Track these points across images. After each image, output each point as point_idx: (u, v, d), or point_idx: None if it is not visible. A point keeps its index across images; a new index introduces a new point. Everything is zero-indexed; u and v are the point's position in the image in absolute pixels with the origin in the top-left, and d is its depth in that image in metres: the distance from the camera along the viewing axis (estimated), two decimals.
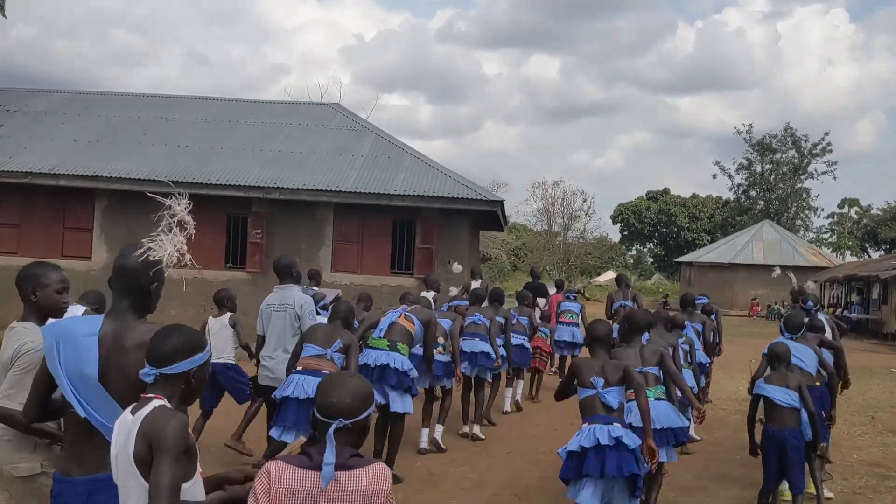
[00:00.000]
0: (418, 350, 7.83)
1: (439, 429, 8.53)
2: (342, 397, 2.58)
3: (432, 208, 15.54)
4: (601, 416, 4.95)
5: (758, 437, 6.39)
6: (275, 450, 6.54)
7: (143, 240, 3.19)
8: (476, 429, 9.21)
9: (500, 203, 15.51)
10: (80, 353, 3.01)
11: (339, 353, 6.32)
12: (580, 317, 12.49)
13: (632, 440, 4.84)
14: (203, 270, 15.70)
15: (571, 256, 60.46)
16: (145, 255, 3.12)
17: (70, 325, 3.15)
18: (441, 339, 8.20)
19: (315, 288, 9.91)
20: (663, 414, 5.68)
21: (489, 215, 16.99)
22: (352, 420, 2.56)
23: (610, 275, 69.32)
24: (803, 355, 6.91)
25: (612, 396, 4.98)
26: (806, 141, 60.84)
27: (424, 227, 15.72)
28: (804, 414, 6.11)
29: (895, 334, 28.71)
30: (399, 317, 7.48)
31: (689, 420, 6.20)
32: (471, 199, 15.22)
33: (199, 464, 2.69)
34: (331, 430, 2.52)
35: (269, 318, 6.95)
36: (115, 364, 3.03)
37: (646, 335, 6.30)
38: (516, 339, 10.13)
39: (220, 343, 7.71)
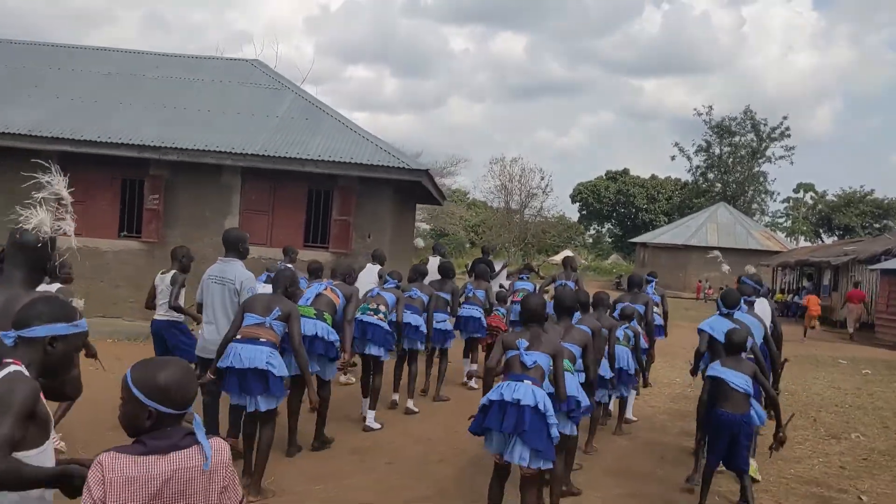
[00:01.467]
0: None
1: (370, 413, 8.49)
2: (190, 389, 2.55)
3: (350, 176, 13.95)
4: (516, 374, 5.03)
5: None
6: (234, 421, 6.90)
7: (20, 210, 3.30)
8: (409, 402, 9.30)
9: (425, 173, 13.90)
10: None
11: (278, 322, 6.27)
12: None
13: (533, 399, 4.86)
14: (94, 239, 14.07)
15: (528, 234, 59.27)
16: (43, 233, 3.29)
17: None
18: (382, 308, 8.39)
19: (290, 266, 9.78)
20: (569, 386, 5.59)
21: (418, 187, 15.44)
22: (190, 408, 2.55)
23: (568, 253, 68.24)
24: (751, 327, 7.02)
25: (531, 357, 5.03)
26: (765, 125, 60.04)
27: (342, 196, 14.14)
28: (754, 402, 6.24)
29: (844, 322, 27.71)
30: (325, 289, 7.58)
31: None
32: (392, 168, 13.62)
33: (52, 438, 2.72)
34: (199, 419, 2.57)
35: (208, 289, 6.82)
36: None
37: (577, 315, 6.54)
38: (473, 311, 10.43)
39: (166, 300, 7.66)
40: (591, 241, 78.60)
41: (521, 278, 12.87)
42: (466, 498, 6.57)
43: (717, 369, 6.28)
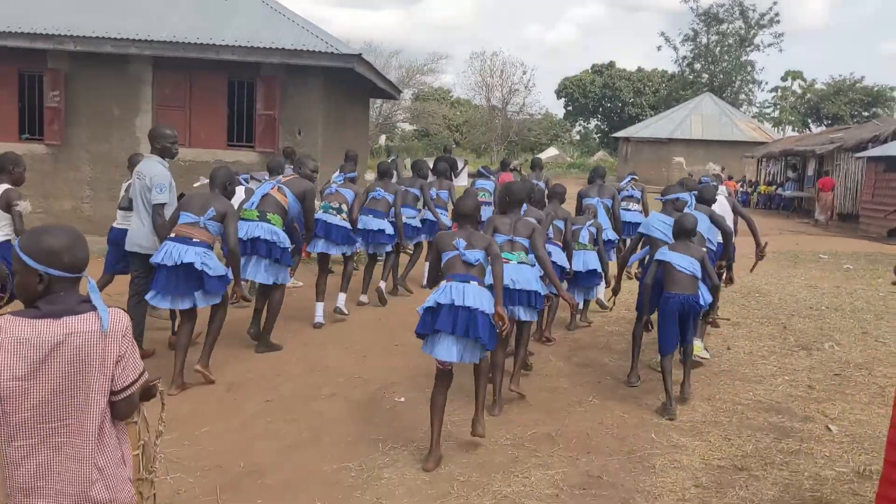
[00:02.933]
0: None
1: (341, 297, 8.48)
2: (84, 250, 2.53)
3: (273, 65, 12.23)
4: (459, 273, 4.95)
5: None
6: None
7: None
8: (363, 297, 9.22)
9: (356, 58, 12.13)
10: None
11: (213, 222, 6.13)
12: (493, 196, 11.29)
13: (483, 302, 4.82)
14: None
15: (511, 132, 57.35)
16: None
17: None
18: (344, 206, 8.14)
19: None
20: (524, 277, 5.77)
21: (366, 80, 13.71)
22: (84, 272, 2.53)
23: (552, 152, 66.53)
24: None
25: (472, 255, 4.97)
26: (753, 11, 57.22)
27: (266, 88, 12.44)
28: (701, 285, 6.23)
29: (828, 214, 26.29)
30: (272, 189, 7.24)
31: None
32: (319, 53, 11.89)
33: None
34: (92, 282, 2.57)
35: (134, 184, 6.76)
36: None
37: (524, 207, 6.40)
38: (438, 213, 9.93)
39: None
40: (577, 137, 76.42)
41: (482, 174, 12.28)
42: (340, 443, 5.47)
43: (664, 254, 6.24)
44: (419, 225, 9.78)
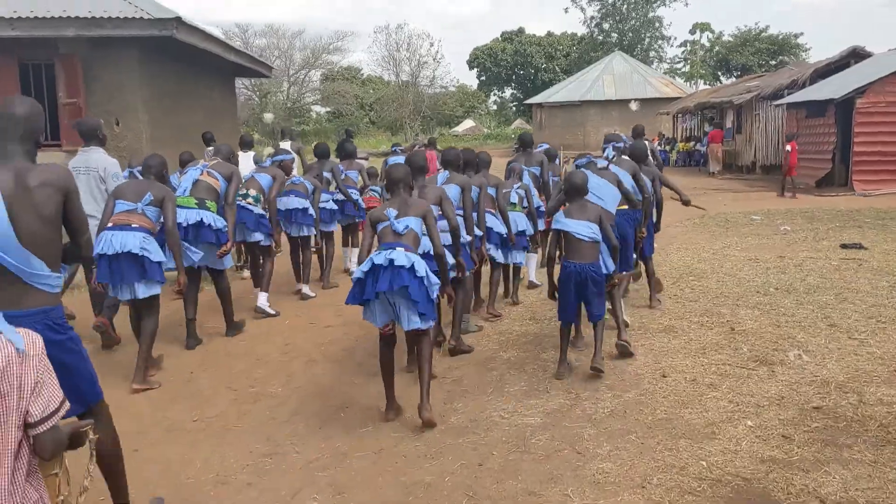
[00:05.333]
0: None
1: (262, 296, 7.98)
2: None
3: (72, 40, 9.43)
4: (388, 242, 4.82)
5: None
6: (109, 305, 6.51)
7: None
8: (305, 288, 8.77)
9: (174, 22, 9.39)
10: None
11: (151, 207, 5.86)
12: None
13: (407, 260, 4.66)
14: None
15: (423, 107, 54.90)
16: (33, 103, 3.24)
17: None
18: (253, 192, 7.77)
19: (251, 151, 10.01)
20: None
21: (194, 51, 10.96)
22: None
23: (469, 124, 64.26)
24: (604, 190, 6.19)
25: (402, 224, 4.86)
26: None
27: (67, 70, 9.64)
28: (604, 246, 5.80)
29: (751, 166, 24.53)
30: (201, 174, 6.94)
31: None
32: (126, 20, 9.14)
33: None
34: None
35: (79, 180, 5.74)
36: (23, 205, 3.07)
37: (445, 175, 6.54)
38: (349, 193, 9.38)
39: None
40: (494, 108, 74.26)
41: (395, 151, 12.24)
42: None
43: (560, 221, 5.83)
44: (335, 208, 9.33)
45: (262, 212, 7.78)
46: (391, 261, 4.63)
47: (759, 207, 15.68)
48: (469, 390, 5.58)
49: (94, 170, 6.60)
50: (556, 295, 5.83)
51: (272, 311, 7.89)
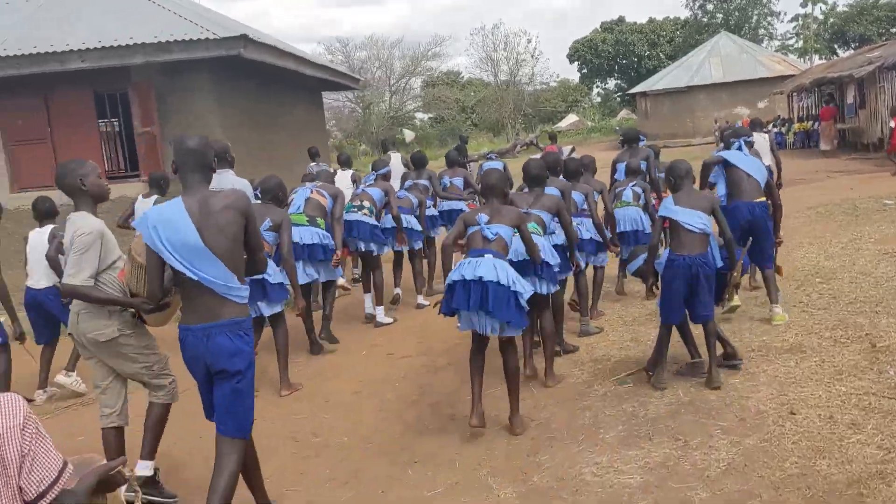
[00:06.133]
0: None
1: (379, 310, 8.05)
2: None
3: (141, 67, 9.14)
4: (476, 248, 4.73)
5: None
6: None
7: None
8: (420, 298, 8.73)
9: (243, 40, 8.96)
10: (178, 228, 3.39)
11: (269, 232, 5.96)
12: None
13: (500, 275, 4.53)
14: None
15: (524, 105, 53.89)
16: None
17: (159, 210, 3.52)
18: (367, 203, 7.88)
19: (323, 164, 10.50)
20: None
21: (273, 70, 10.56)
22: None
23: (572, 118, 62.73)
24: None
25: (492, 230, 4.73)
26: None
27: (141, 98, 9.37)
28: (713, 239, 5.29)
29: (878, 143, 22.42)
30: (312, 192, 7.16)
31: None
32: (193, 42, 8.76)
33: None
34: None
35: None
36: (211, 227, 3.42)
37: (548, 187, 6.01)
38: (454, 203, 9.51)
39: (40, 264, 6.31)
40: (598, 100, 72.33)
41: (490, 158, 12.04)
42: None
43: (668, 209, 5.30)
44: (435, 213, 9.42)
45: (376, 223, 7.88)
46: (480, 276, 4.52)
47: (892, 190, 14.05)
48: (557, 437, 4.76)
49: (222, 189, 6.40)
50: (657, 292, 5.46)
51: (388, 321, 8.03)
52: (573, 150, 18.80)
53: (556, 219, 5.68)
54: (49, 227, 6.33)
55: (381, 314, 8.01)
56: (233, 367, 3.48)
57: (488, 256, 4.63)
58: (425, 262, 9.32)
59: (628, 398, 5.24)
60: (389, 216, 8.12)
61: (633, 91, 44.83)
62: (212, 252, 3.42)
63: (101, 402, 4.18)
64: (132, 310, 4.05)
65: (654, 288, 5.56)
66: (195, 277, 3.42)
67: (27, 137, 9.55)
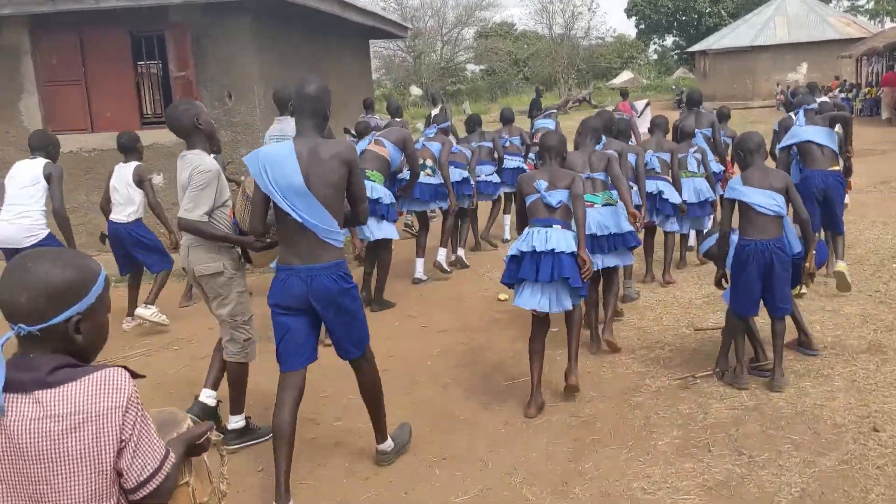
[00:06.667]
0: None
1: (442, 252, 7.98)
2: (15, 293, 1.65)
3: (180, 7, 8.66)
4: (542, 218, 4.51)
5: None
6: None
7: None
8: (461, 252, 8.53)
9: None
10: (286, 170, 3.48)
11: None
12: None
13: (570, 244, 4.38)
14: None
15: (578, 60, 52.43)
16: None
17: (271, 150, 3.60)
18: (429, 162, 7.51)
19: (375, 117, 10.03)
20: (610, 220, 5.28)
21: (316, 15, 9.98)
22: (37, 326, 1.66)
23: (627, 75, 60.93)
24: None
25: (554, 197, 4.49)
26: None
27: (177, 42, 8.88)
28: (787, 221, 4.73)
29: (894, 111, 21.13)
30: (369, 143, 6.87)
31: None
32: None
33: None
34: (3, 340, 1.66)
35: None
36: (316, 173, 3.50)
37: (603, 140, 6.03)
38: (512, 161, 9.23)
39: (121, 197, 6.55)
40: (654, 57, 70.14)
41: (544, 116, 11.48)
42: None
43: (737, 189, 4.74)
44: (497, 179, 9.04)
45: (438, 181, 7.56)
46: (552, 248, 4.34)
47: None
48: (603, 440, 4.23)
49: (290, 138, 6.08)
50: (726, 281, 4.92)
51: (447, 269, 7.92)
52: (647, 104, 18.01)
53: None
54: (133, 164, 6.52)
55: (441, 255, 7.93)
56: (341, 305, 3.60)
57: (556, 227, 4.44)
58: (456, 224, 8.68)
59: (685, 397, 4.69)
60: (456, 170, 7.93)
61: (691, 49, 43.17)
62: (315, 197, 3.49)
63: (223, 334, 4.32)
64: (238, 249, 4.23)
65: (723, 280, 4.96)
66: (298, 219, 3.49)
67: (61, 78, 9.13)
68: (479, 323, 6.44)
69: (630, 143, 7.09)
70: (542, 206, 4.51)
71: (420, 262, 7.83)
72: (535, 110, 15.12)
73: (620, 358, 5.40)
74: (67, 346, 1.72)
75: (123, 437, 1.68)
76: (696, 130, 7.88)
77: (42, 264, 1.69)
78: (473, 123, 9.39)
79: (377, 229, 6.62)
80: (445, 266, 7.92)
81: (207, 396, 4.40)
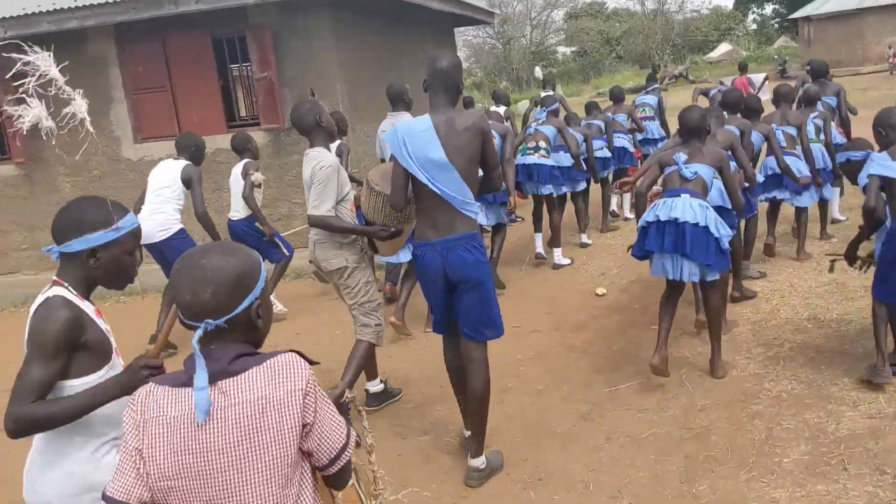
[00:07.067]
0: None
1: (556, 252, 7.81)
2: (199, 293, 1.66)
3: (259, 7, 8.51)
4: (673, 188, 4.46)
5: None
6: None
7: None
8: (583, 237, 8.55)
9: None
10: (425, 144, 3.59)
11: None
12: (657, 110, 10.73)
13: (698, 215, 4.26)
14: None
15: (673, 35, 50.65)
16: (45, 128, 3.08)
17: (409, 125, 3.73)
18: (543, 143, 7.58)
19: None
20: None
21: (397, 5, 9.70)
22: (224, 318, 1.67)
23: (725, 48, 58.56)
24: None
25: (690, 170, 4.45)
26: None
27: (258, 42, 8.74)
28: None
29: None
30: None
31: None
32: None
33: (117, 357, 2.28)
34: (195, 339, 1.65)
35: (385, 143, 5.79)
36: (454, 145, 3.58)
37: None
38: (618, 140, 9.13)
39: (235, 197, 6.89)
40: (754, 27, 67.22)
41: (645, 93, 11.25)
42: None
43: (884, 164, 4.12)
44: (608, 155, 8.95)
45: (554, 163, 7.54)
46: (675, 217, 4.29)
47: None
48: (719, 457, 3.75)
49: None
50: (866, 265, 4.45)
51: (566, 261, 7.69)
52: (766, 79, 17.16)
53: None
54: (243, 162, 6.82)
55: (558, 255, 7.71)
56: (474, 277, 3.66)
57: (685, 196, 4.36)
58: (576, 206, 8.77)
59: (811, 403, 4.14)
60: (557, 157, 7.78)
61: (794, 16, 40.95)
62: (454, 168, 3.57)
63: (355, 320, 4.45)
64: (360, 245, 4.38)
65: (863, 264, 4.44)
66: (437, 191, 3.59)
67: (147, 85, 9.15)
68: (576, 321, 6.00)
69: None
70: (677, 178, 4.47)
71: (556, 251, 7.72)
72: (653, 83, 15.34)
73: (734, 358, 4.87)
74: (247, 335, 1.74)
75: (306, 420, 1.69)
76: (824, 98, 7.61)
77: (213, 259, 1.70)
78: (591, 107, 9.60)
79: (494, 215, 6.82)
80: (563, 260, 7.76)
81: (374, 386, 4.76)
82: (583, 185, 8.25)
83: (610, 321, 5.88)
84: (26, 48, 2.91)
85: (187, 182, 6.20)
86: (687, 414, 4.21)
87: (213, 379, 1.65)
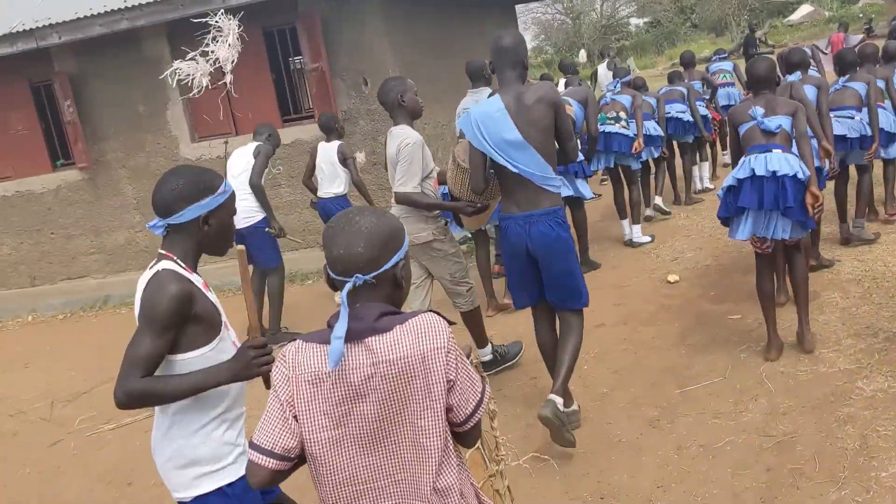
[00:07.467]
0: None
1: (658, 199, 8.26)
2: (351, 246, 1.74)
3: None
4: (759, 144, 4.20)
5: None
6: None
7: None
8: (658, 200, 8.41)
9: None
10: (498, 124, 3.61)
11: None
12: (734, 75, 10.39)
13: (794, 167, 4.03)
14: (20, 179, 9.86)
15: None
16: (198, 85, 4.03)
17: (481, 107, 3.74)
18: (622, 114, 7.35)
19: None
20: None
21: None
22: (373, 273, 1.74)
23: (806, 9, 55.91)
24: None
25: (772, 122, 4.18)
26: None
27: (308, 32, 8.53)
28: None
29: None
30: None
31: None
32: None
33: (227, 330, 2.28)
34: (344, 292, 1.72)
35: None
36: (527, 121, 3.59)
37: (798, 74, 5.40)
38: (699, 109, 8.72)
39: (324, 174, 6.95)
40: None
41: (720, 57, 11.06)
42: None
43: None
44: (690, 119, 8.60)
45: (633, 133, 7.35)
46: (773, 171, 4.03)
47: None
48: (805, 470, 3.31)
49: None
50: None
51: (646, 239, 7.43)
52: (863, 39, 16.48)
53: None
54: (336, 143, 6.89)
55: (637, 233, 7.47)
56: (556, 252, 3.69)
57: (777, 151, 4.13)
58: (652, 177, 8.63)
59: None
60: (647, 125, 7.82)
61: None
62: (531, 146, 3.57)
63: (412, 295, 4.48)
64: (450, 215, 4.54)
65: None
66: (515, 170, 3.60)
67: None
68: (645, 313, 5.56)
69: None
70: (760, 133, 4.24)
71: (626, 223, 7.49)
72: (751, 48, 15.51)
73: (821, 352, 4.38)
74: (391, 294, 1.79)
75: (450, 377, 1.73)
76: None
77: (364, 218, 1.76)
78: (673, 77, 9.38)
79: (570, 187, 6.47)
80: (642, 238, 7.48)
81: (483, 355, 4.81)
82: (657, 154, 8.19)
83: (682, 311, 5.43)
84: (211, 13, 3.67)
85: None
86: (768, 419, 3.77)
87: (360, 336, 1.70)
